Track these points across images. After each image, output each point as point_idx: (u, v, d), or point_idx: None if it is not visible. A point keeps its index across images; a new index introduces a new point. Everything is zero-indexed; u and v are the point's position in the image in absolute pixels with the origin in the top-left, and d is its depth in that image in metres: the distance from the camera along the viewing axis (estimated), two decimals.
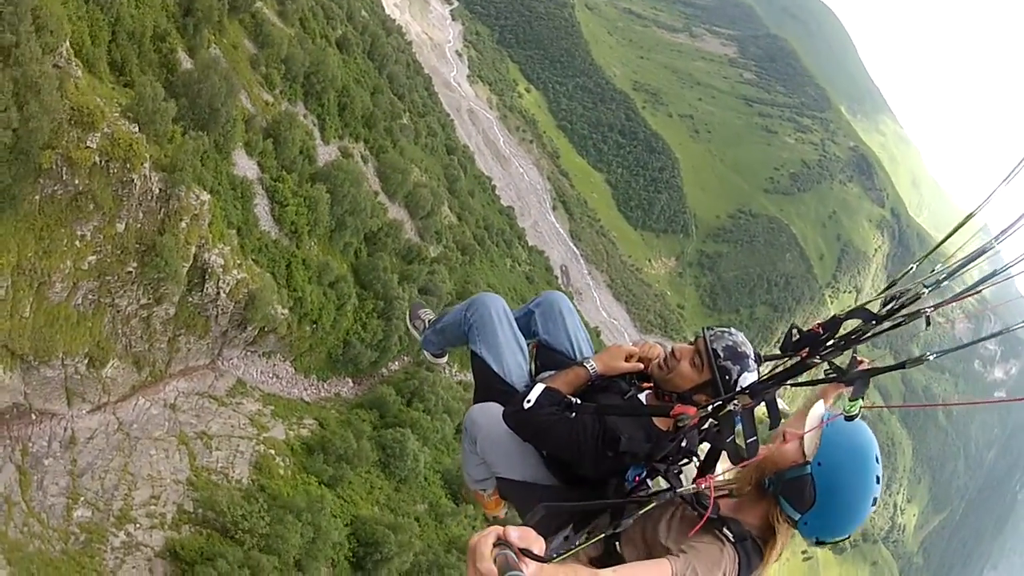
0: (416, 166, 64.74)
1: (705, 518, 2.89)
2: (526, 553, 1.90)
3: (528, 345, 4.15)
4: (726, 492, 3.12)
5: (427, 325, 4.88)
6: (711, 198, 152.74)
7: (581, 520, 3.46)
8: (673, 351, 3.56)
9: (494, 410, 3.74)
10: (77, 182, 20.87)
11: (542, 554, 1.96)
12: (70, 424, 25.63)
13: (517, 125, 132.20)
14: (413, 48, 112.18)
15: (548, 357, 4.08)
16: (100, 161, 21.96)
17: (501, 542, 1.89)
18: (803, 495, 2.79)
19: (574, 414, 3.47)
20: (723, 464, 3.23)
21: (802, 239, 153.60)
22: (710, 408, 3.14)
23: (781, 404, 3.31)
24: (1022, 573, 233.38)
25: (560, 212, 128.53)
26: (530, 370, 4.04)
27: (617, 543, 3.17)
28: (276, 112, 39.94)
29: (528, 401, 3.50)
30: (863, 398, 2.75)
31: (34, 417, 24.38)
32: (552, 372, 3.93)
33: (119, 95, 26.11)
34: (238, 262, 29.69)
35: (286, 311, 33.35)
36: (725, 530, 2.85)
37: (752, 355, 3.39)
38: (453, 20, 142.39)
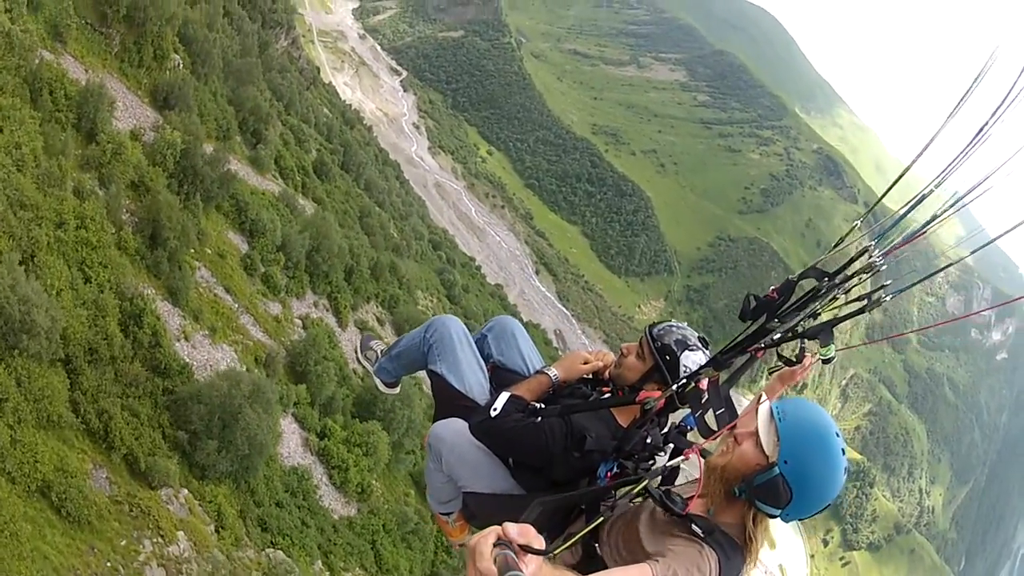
0: (421, 292, 60.07)
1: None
2: (526, 549, 1.87)
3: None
4: (698, 495, 2.93)
5: (379, 355, 4.67)
6: (688, 231, 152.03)
7: (560, 521, 3.31)
8: (622, 349, 3.63)
9: (458, 424, 3.68)
10: None
11: (543, 549, 1.94)
12: None
13: (486, 191, 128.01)
14: (373, 132, 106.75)
15: (503, 378, 3.98)
16: None
17: (501, 542, 1.85)
18: (778, 495, 2.69)
19: (540, 418, 3.44)
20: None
21: (784, 254, 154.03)
22: (675, 387, 3.13)
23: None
24: None
25: (544, 275, 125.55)
26: (490, 389, 3.92)
27: (596, 546, 3.01)
28: (291, 340, 33.62)
29: (495, 409, 3.50)
30: (832, 344, 2.81)
31: None
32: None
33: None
34: None
35: None
36: (693, 527, 2.73)
37: (694, 338, 3.45)
38: (405, 91, 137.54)
